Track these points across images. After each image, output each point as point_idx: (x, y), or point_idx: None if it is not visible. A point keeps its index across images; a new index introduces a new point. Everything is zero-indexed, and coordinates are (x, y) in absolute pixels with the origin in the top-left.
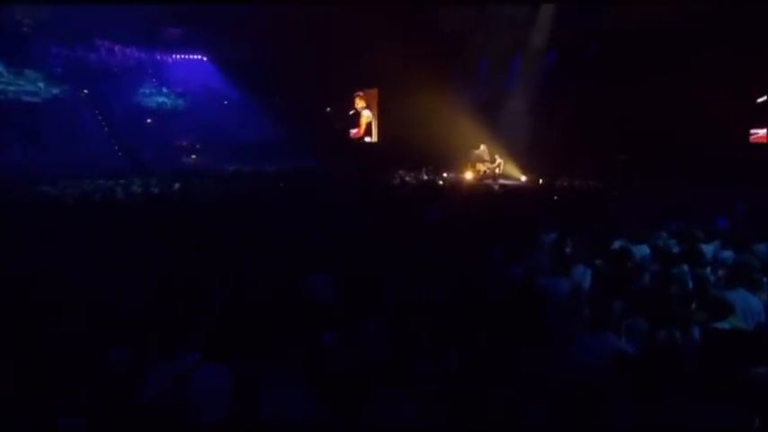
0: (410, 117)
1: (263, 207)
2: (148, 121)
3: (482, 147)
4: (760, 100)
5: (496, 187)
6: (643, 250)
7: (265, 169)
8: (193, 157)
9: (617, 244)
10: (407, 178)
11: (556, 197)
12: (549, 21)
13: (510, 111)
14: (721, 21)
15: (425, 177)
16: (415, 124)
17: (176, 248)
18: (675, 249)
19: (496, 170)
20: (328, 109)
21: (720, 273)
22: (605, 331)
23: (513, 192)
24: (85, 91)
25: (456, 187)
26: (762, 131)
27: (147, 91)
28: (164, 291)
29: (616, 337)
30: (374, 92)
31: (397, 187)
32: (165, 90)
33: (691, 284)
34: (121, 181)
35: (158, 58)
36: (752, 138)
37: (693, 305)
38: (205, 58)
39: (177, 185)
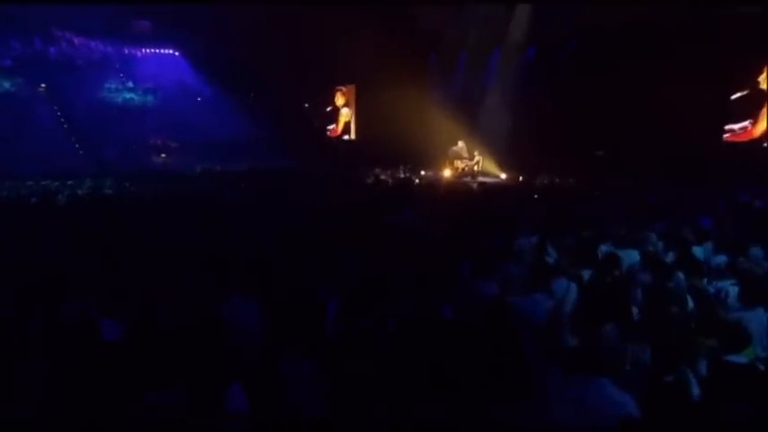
0: (388, 113)
1: (213, 209)
2: (113, 118)
3: (460, 143)
4: (734, 96)
5: (475, 185)
6: (632, 256)
7: (236, 169)
8: (163, 156)
9: (602, 248)
10: (383, 176)
11: (536, 195)
12: (526, 17)
13: (488, 107)
14: (700, 17)
15: (402, 175)
16: (393, 121)
17: (76, 259)
18: (667, 255)
19: (475, 167)
20: (306, 105)
21: (724, 285)
22: (595, 372)
23: (491, 190)
24: (43, 85)
25: (432, 185)
26: (736, 126)
27: (113, 86)
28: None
29: (611, 385)
30: (352, 88)
31: (369, 187)
32: (132, 86)
33: (691, 302)
34: (69, 182)
35: (126, 51)
36: (727, 136)
37: (698, 330)
38: (177, 53)
39: (131, 186)
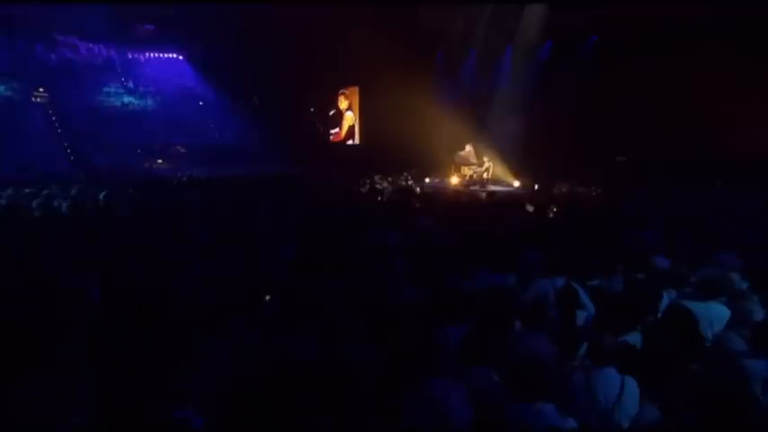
0: (392, 116)
1: (171, 222)
2: (109, 122)
3: (468, 148)
4: None
5: (484, 195)
6: (717, 313)
7: (230, 175)
8: (159, 161)
9: (665, 299)
10: (384, 185)
11: (555, 209)
12: (541, 10)
13: (499, 108)
14: (729, 16)
15: (404, 183)
16: (398, 124)
17: None
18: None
19: (485, 174)
20: (312, 110)
21: None
22: None
23: (502, 202)
24: (40, 90)
25: (434, 197)
26: None
27: (112, 90)
28: None
29: None
30: (355, 91)
31: (355, 198)
32: (133, 90)
33: None
34: (45, 191)
35: (129, 56)
36: None
37: None
38: (181, 57)
39: (102, 195)
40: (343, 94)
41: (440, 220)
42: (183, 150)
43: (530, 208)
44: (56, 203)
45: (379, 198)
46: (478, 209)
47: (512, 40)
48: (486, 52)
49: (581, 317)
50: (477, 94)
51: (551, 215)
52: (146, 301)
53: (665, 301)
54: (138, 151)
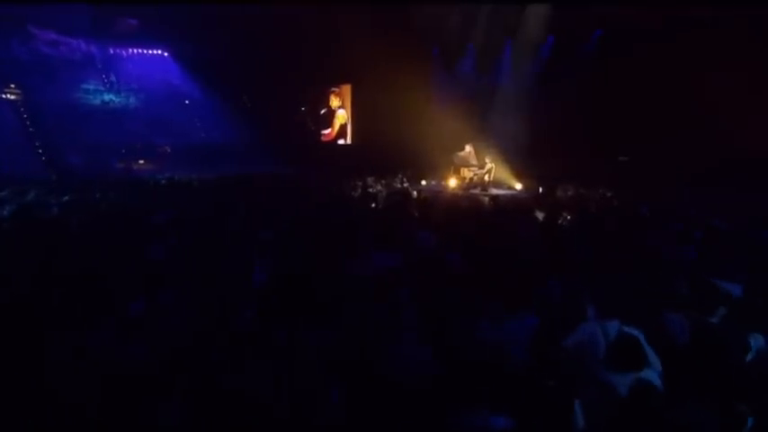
0: (386, 115)
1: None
2: (87, 120)
3: (467, 148)
4: None
5: (486, 200)
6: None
7: (215, 177)
8: (141, 162)
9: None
10: (377, 188)
11: (568, 217)
12: (543, 5)
13: (500, 106)
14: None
15: (399, 186)
16: (393, 123)
17: None
18: None
19: (486, 177)
20: (303, 109)
21: None
22: None
23: (508, 208)
24: (12, 86)
25: (433, 203)
26: None
27: (91, 87)
28: None
29: None
30: (347, 88)
31: (345, 204)
32: (114, 87)
33: None
34: (3, 193)
35: (111, 51)
36: None
37: None
38: (166, 54)
39: (66, 199)
40: (334, 92)
41: (441, 233)
42: (167, 150)
43: (539, 215)
44: None
45: (373, 204)
46: (483, 217)
47: (511, 35)
48: (484, 47)
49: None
50: (477, 92)
51: (563, 222)
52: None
53: (753, 348)
54: (123, 151)
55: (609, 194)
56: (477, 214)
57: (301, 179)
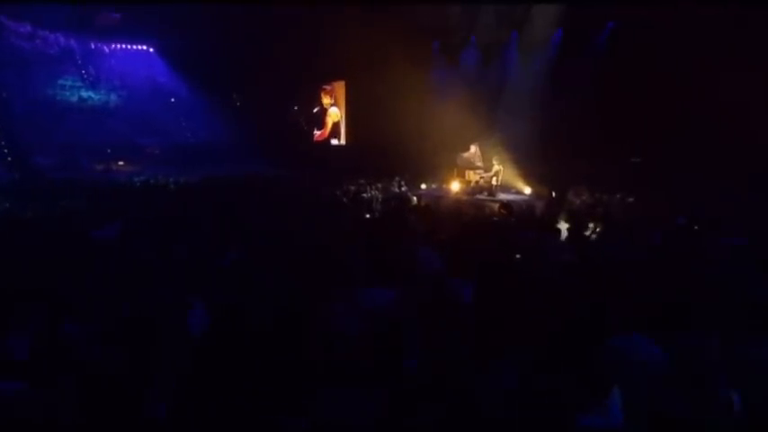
0: (382, 114)
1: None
2: (61, 118)
3: (473, 148)
4: None
5: (496, 207)
6: None
7: (197, 179)
8: (121, 163)
9: None
10: (372, 193)
11: (597, 228)
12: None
13: (507, 104)
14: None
15: (396, 190)
16: (390, 122)
17: None
18: None
19: (493, 180)
20: (296, 108)
21: None
22: None
23: (524, 218)
24: None
25: (435, 212)
26: None
27: (68, 83)
28: None
29: None
30: (341, 85)
31: (340, 215)
32: (94, 83)
33: None
34: None
35: (92, 46)
36: None
37: None
38: (152, 50)
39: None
40: (325, 89)
41: (446, 251)
42: (152, 151)
43: (562, 227)
44: None
45: (367, 215)
46: (497, 231)
47: (517, 28)
48: (488, 41)
49: None
50: (481, 87)
51: (592, 235)
52: None
53: None
54: (109, 151)
55: (630, 200)
56: (490, 227)
57: (289, 182)
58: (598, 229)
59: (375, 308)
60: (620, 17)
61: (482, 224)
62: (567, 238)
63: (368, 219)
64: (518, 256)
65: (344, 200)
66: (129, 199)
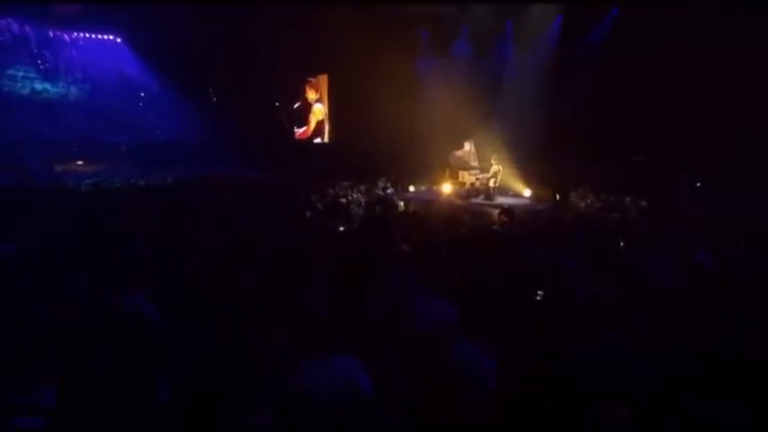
0: (368, 109)
1: None
2: (5, 113)
3: (466, 146)
4: None
5: (496, 214)
6: None
7: (157, 182)
8: (79, 163)
9: None
10: (353, 196)
11: (620, 243)
12: None
13: (504, 95)
14: None
15: (381, 192)
16: (375, 118)
17: None
18: None
19: (491, 182)
20: (277, 104)
21: None
22: None
23: (532, 229)
24: None
25: (426, 221)
26: None
27: (20, 74)
28: None
29: None
30: (324, 78)
31: (305, 227)
32: (50, 75)
33: None
34: None
35: (51, 34)
36: None
37: None
38: (119, 40)
39: None
40: (310, 82)
41: (441, 285)
42: (117, 149)
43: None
44: None
45: (341, 226)
46: (500, 247)
47: (513, 16)
48: (481, 29)
49: None
50: (475, 79)
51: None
52: None
53: None
54: (75, 149)
55: (643, 203)
56: (493, 241)
57: (256, 186)
58: (621, 244)
59: (316, 392)
60: (624, 3)
61: (480, 236)
62: (586, 253)
63: (341, 233)
64: (539, 292)
65: (318, 206)
66: (44, 206)
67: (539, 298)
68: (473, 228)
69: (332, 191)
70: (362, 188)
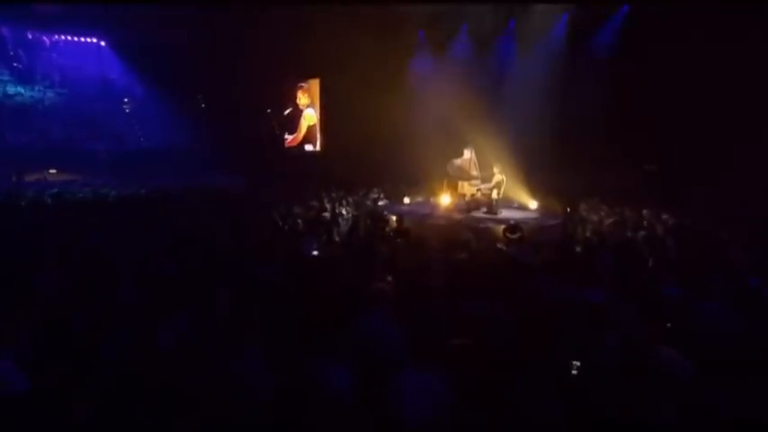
0: (361, 115)
1: None
2: None
3: (466, 154)
4: None
5: (502, 231)
6: None
7: (129, 193)
8: (52, 171)
9: None
10: (342, 210)
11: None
12: None
13: (507, 99)
14: None
15: (371, 206)
16: (369, 125)
17: None
18: None
19: (494, 193)
20: (269, 111)
21: None
22: None
23: (550, 261)
24: None
25: (421, 242)
26: None
27: None
28: None
29: None
30: (315, 83)
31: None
32: (26, 78)
33: None
34: None
35: (29, 36)
36: None
37: None
38: (103, 43)
39: None
40: (302, 87)
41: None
42: (97, 157)
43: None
44: None
45: (318, 247)
46: (511, 281)
47: (516, 12)
48: (481, 29)
49: None
50: (475, 82)
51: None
52: None
53: None
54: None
55: (665, 216)
56: (501, 272)
57: (237, 200)
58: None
59: None
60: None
61: (485, 262)
62: (617, 283)
63: (312, 261)
64: (576, 364)
65: (299, 222)
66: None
67: (575, 372)
68: (475, 252)
69: (317, 203)
70: (351, 200)
